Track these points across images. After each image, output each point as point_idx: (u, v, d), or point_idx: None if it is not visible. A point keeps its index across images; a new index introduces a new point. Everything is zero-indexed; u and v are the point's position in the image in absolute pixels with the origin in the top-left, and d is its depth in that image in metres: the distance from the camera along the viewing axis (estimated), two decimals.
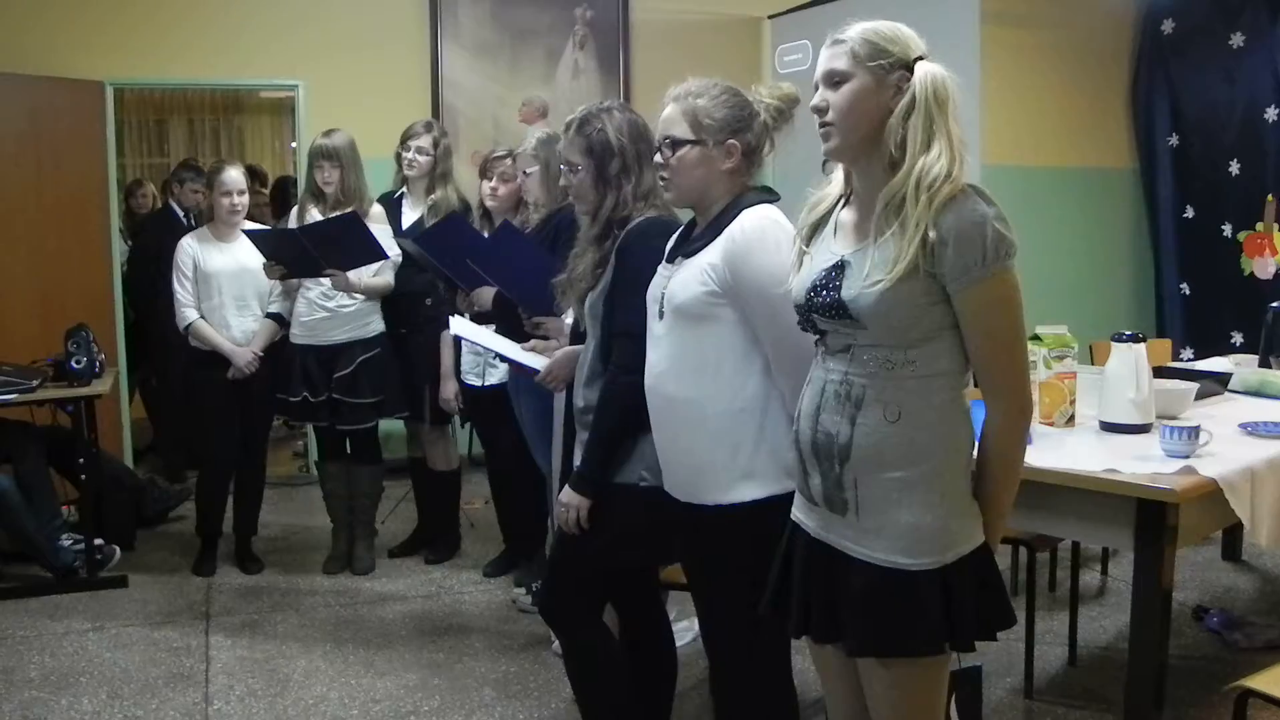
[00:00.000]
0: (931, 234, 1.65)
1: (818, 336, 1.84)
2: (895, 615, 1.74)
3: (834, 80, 1.75)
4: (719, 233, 2.10)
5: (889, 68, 1.72)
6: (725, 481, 2.11)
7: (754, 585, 2.04)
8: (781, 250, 2.02)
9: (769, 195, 2.17)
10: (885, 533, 1.75)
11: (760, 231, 2.06)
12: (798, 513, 1.92)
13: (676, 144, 2.13)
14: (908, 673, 1.79)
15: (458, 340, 4.11)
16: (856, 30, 1.75)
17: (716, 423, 2.10)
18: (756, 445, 2.09)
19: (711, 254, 2.09)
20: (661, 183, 2.21)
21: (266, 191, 7.39)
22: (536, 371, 2.81)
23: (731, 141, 2.12)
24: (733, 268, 2.06)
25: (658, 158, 2.19)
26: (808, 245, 1.88)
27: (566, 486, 2.40)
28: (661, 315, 2.17)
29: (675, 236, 2.26)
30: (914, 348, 1.72)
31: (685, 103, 2.13)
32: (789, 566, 1.92)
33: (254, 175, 7.55)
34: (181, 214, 5.91)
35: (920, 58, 1.74)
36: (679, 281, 2.14)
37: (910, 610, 1.73)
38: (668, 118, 2.15)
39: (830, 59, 1.76)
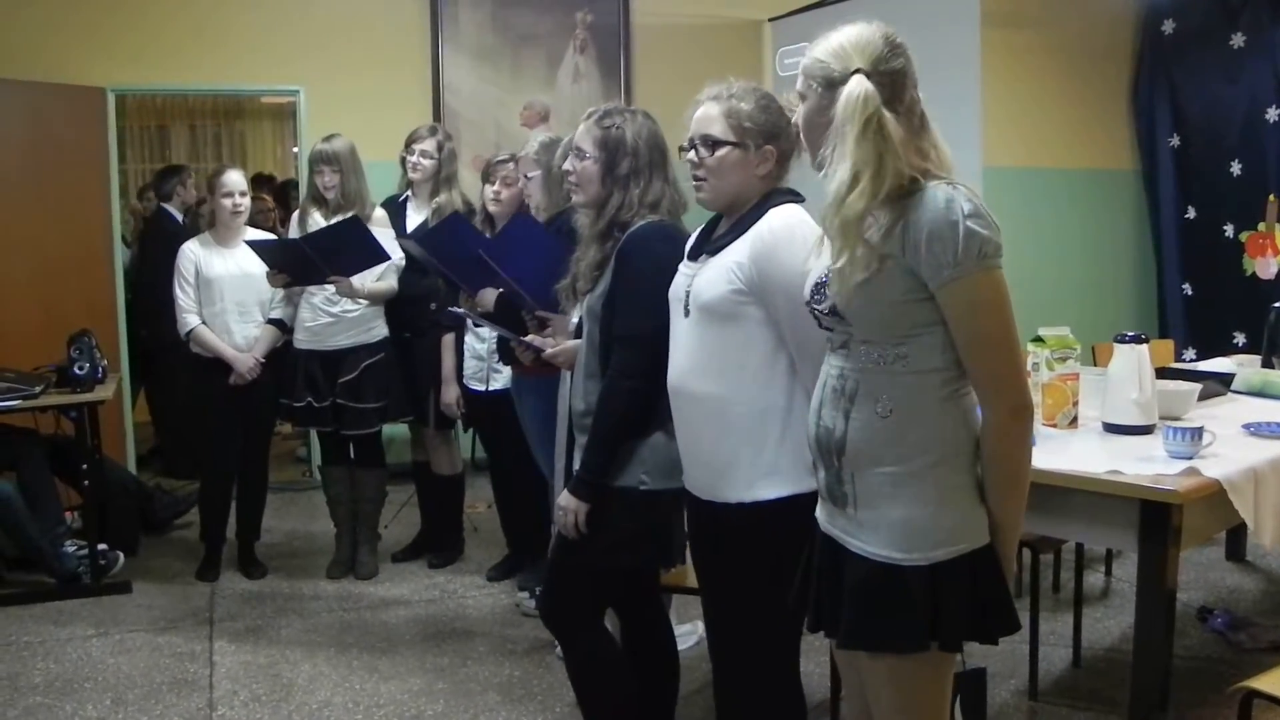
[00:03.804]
0: (899, 230, 1.68)
1: (828, 333, 1.86)
2: (881, 609, 1.75)
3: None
4: (744, 231, 2.10)
5: (820, 88, 1.76)
6: (748, 479, 2.10)
7: (771, 584, 2.04)
8: (808, 249, 2.02)
9: (795, 196, 2.17)
10: (879, 527, 1.76)
11: (788, 230, 2.06)
12: (818, 509, 1.94)
13: (717, 144, 2.11)
14: (901, 668, 1.79)
15: (459, 345, 4.11)
16: (802, 64, 1.81)
17: (741, 421, 2.10)
18: (780, 443, 2.09)
19: (738, 252, 2.09)
20: (695, 183, 2.17)
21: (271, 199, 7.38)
22: (538, 353, 2.80)
23: (769, 147, 2.12)
24: (759, 266, 2.05)
25: (691, 155, 2.15)
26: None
27: (565, 490, 2.41)
28: (687, 313, 2.16)
29: (697, 234, 2.26)
30: (902, 343, 1.73)
31: (727, 104, 2.12)
32: (810, 560, 1.94)
33: (265, 183, 7.55)
34: (180, 217, 5.93)
35: (856, 71, 1.72)
36: (705, 279, 2.13)
37: (896, 605, 1.74)
38: (706, 116, 2.13)
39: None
